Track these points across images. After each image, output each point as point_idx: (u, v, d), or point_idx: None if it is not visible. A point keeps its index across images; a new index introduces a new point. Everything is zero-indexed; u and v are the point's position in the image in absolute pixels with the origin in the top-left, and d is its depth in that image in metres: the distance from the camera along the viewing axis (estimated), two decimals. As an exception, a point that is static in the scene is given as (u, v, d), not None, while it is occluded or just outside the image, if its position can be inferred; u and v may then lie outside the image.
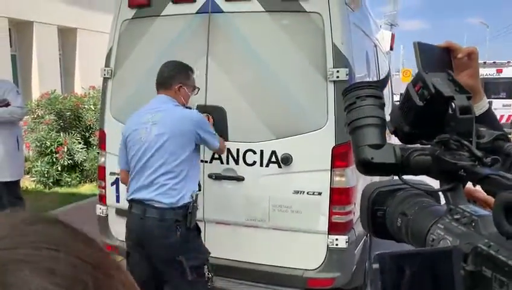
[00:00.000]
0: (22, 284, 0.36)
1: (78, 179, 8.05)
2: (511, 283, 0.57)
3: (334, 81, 3.12)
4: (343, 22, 3.20)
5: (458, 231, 0.69)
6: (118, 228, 3.89)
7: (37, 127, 7.91)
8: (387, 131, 0.86)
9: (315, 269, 3.31)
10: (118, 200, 3.83)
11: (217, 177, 3.45)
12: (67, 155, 7.70)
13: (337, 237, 3.22)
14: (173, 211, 2.77)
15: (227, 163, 3.41)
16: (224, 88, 3.41)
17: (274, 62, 3.32)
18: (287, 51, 3.29)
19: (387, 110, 0.90)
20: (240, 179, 3.40)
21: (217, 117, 3.38)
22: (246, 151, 3.37)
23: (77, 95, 8.80)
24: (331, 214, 3.22)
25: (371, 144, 0.81)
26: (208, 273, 2.89)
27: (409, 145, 0.83)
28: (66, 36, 11.28)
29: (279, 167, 3.30)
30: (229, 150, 3.37)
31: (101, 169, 3.91)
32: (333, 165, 3.19)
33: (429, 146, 0.80)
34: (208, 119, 3.26)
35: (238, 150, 3.38)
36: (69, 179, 7.94)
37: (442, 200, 0.80)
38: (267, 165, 3.33)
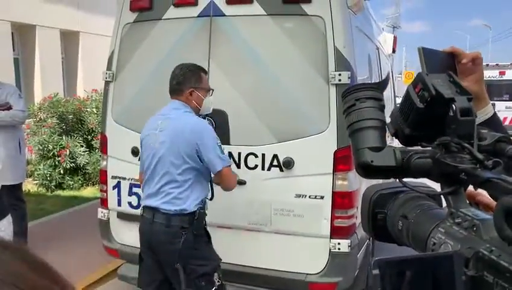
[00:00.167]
0: None
1: (80, 182, 8.06)
2: None
3: (336, 85, 3.11)
4: (345, 25, 3.19)
5: (459, 235, 0.68)
6: (119, 232, 3.89)
7: (40, 130, 7.92)
8: (389, 133, 0.85)
9: (317, 273, 3.30)
10: (119, 204, 3.82)
11: (219, 180, 3.44)
12: (70, 158, 7.71)
13: (339, 241, 3.21)
14: (179, 217, 2.75)
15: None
16: (226, 91, 3.40)
17: (276, 65, 3.31)
18: (288, 55, 3.29)
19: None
20: (242, 182, 3.38)
21: (219, 120, 3.37)
22: (247, 155, 3.36)
23: (79, 99, 8.82)
24: (333, 218, 3.21)
25: (371, 147, 0.80)
26: (218, 281, 2.84)
27: (410, 148, 0.82)
28: (69, 39, 11.31)
29: (281, 170, 3.29)
30: (230, 154, 3.36)
31: (103, 173, 3.91)
32: (335, 169, 3.17)
33: (430, 149, 0.79)
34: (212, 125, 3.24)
35: (239, 153, 3.37)
36: (71, 182, 7.95)
37: (444, 203, 0.79)
38: (269, 169, 3.31)
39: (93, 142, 8.07)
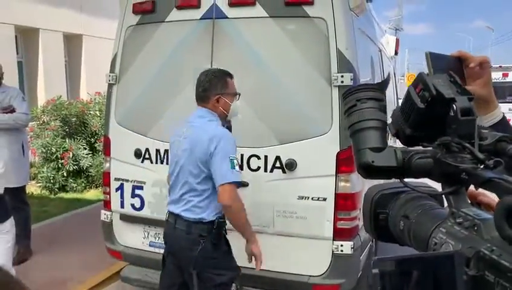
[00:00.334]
0: None
1: (83, 184, 8.08)
2: None
3: (339, 86, 3.11)
4: (348, 27, 3.19)
5: (460, 235, 0.68)
6: (122, 233, 3.90)
7: (43, 133, 7.95)
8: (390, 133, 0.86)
9: (320, 275, 3.29)
10: (122, 206, 3.83)
11: (221, 182, 3.44)
12: (73, 161, 7.73)
13: (342, 243, 3.21)
14: (199, 225, 2.73)
15: (232, 168, 3.40)
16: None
17: (278, 67, 3.32)
18: (291, 56, 3.29)
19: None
20: (244, 184, 3.38)
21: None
22: (250, 157, 3.36)
23: (83, 101, 8.85)
24: (336, 219, 3.20)
25: (372, 147, 0.80)
26: None
27: (411, 148, 0.82)
28: (72, 42, 11.35)
29: (284, 172, 3.29)
30: (232, 156, 3.37)
31: (106, 175, 3.92)
32: (338, 171, 3.17)
33: (431, 149, 0.79)
34: None
35: (242, 155, 3.37)
36: (75, 185, 7.97)
37: (446, 203, 0.79)
38: (271, 171, 3.32)
39: (96, 145, 8.09)
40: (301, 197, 3.26)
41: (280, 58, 3.35)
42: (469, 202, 0.77)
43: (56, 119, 8.05)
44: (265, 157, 3.32)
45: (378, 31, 5.40)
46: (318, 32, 3.19)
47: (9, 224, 3.49)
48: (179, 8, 3.53)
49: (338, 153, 3.15)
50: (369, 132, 0.81)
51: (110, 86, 3.86)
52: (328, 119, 3.16)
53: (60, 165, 7.78)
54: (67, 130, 8.12)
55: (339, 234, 3.21)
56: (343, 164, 3.14)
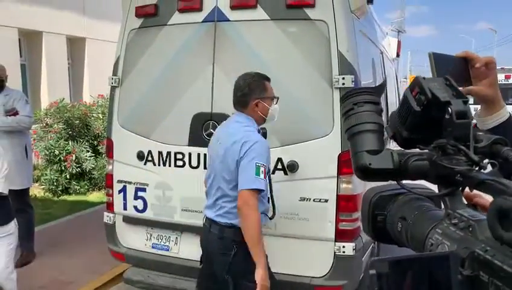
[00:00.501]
0: None
1: (86, 187, 8.11)
2: (507, 288, 0.57)
3: (340, 88, 3.12)
4: (349, 30, 3.20)
5: (456, 235, 0.69)
6: (125, 235, 3.91)
7: (46, 136, 7.98)
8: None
9: (322, 276, 3.30)
10: (125, 208, 3.85)
11: (223, 184, 3.45)
12: (76, 163, 7.76)
13: (344, 244, 3.21)
14: (232, 230, 2.71)
15: (234, 170, 3.41)
16: (230, 96, 3.40)
17: (280, 70, 3.32)
18: (292, 59, 3.31)
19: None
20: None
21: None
22: (252, 159, 3.37)
23: (85, 104, 8.88)
24: (337, 221, 3.21)
25: (369, 150, 0.82)
26: None
27: (407, 150, 0.84)
28: (75, 45, 11.39)
29: (285, 174, 3.30)
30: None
31: (109, 177, 3.94)
32: (340, 172, 3.18)
33: (427, 151, 0.80)
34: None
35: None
36: (78, 187, 8.00)
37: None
38: (273, 173, 3.32)
39: (99, 147, 8.12)
40: (303, 199, 3.27)
41: (281, 60, 3.36)
42: (465, 203, 0.78)
43: (59, 122, 8.08)
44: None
45: (380, 33, 5.40)
46: (319, 34, 3.20)
47: (13, 226, 3.52)
48: (181, 11, 3.55)
49: (339, 155, 3.16)
50: (366, 134, 0.83)
51: (113, 88, 3.87)
52: (329, 121, 3.17)
53: (63, 168, 7.80)
54: (70, 132, 8.15)
55: (340, 235, 3.22)
56: (344, 165, 3.15)
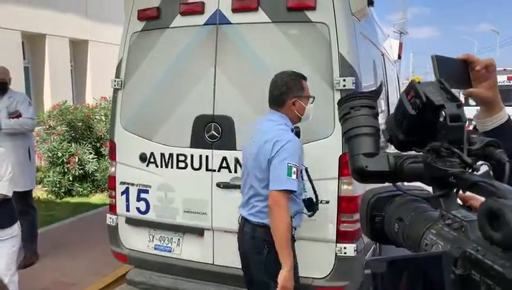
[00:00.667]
0: None
1: (89, 189, 8.14)
2: (498, 287, 0.59)
3: (341, 90, 3.13)
4: (349, 32, 3.22)
5: (449, 236, 0.71)
6: (128, 237, 3.93)
7: (49, 138, 8.01)
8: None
9: (324, 277, 3.31)
10: (127, 209, 3.87)
11: (225, 186, 3.47)
12: (79, 165, 7.79)
13: (345, 245, 3.22)
14: (263, 228, 2.71)
15: (235, 172, 3.43)
16: (232, 98, 3.44)
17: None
18: (293, 61, 3.32)
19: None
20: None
21: (225, 126, 3.42)
22: (253, 160, 3.38)
23: (88, 106, 8.91)
24: (339, 222, 3.22)
25: (365, 153, 0.84)
26: None
27: (403, 153, 0.85)
28: (78, 48, 11.44)
29: (287, 175, 3.31)
30: (236, 159, 3.40)
31: (111, 179, 3.96)
32: (341, 174, 3.19)
33: (422, 153, 0.82)
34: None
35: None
36: (80, 189, 8.03)
37: None
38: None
39: (101, 149, 8.15)
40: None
41: (283, 62, 3.36)
42: (459, 204, 0.80)
43: (62, 124, 8.11)
44: (269, 161, 3.35)
45: (381, 35, 5.42)
46: (320, 36, 3.22)
47: (16, 228, 3.54)
48: (183, 14, 3.57)
49: (340, 156, 3.17)
50: (363, 138, 0.85)
51: (116, 91, 3.90)
52: (330, 122, 3.18)
53: (66, 170, 7.84)
54: (73, 134, 8.19)
55: (342, 236, 3.23)
56: (345, 167, 3.16)
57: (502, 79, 14.96)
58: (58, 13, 10.29)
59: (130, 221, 3.89)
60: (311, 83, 3.27)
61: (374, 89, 3.66)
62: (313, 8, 3.22)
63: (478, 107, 1.27)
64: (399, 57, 7.41)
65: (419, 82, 0.81)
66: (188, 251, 3.66)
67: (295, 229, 2.80)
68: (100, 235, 4.53)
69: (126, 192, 3.86)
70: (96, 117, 8.39)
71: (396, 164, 0.82)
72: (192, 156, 3.56)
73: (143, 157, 3.75)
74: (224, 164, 3.46)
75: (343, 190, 3.20)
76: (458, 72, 1.14)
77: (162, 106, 3.70)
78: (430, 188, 0.85)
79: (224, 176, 3.47)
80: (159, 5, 3.65)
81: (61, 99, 8.72)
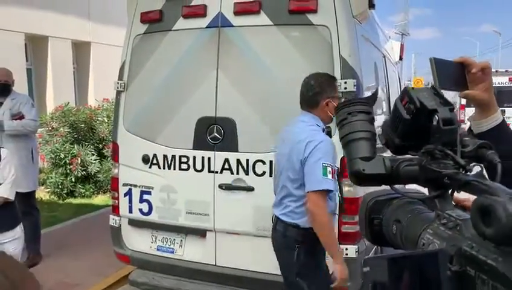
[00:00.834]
0: None
1: (91, 190, 8.16)
2: (492, 281, 0.62)
3: (342, 93, 3.16)
4: (350, 35, 3.24)
5: (445, 234, 0.74)
6: (130, 238, 3.96)
7: (52, 139, 8.04)
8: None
9: (325, 278, 3.32)
10: (130, 211, 3.89)
11: (227, 187, 3.50)
12: (81, 167, 7.82)
13: (346, 246, 3.23)
14: (296, 229, 2.74)
15: (237, 173, 3.46)
16: (234, 100, 3.46)
17: (282, 74, 3.37)
18: (295, 63, 3.34)
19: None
20: (250, 189, 3.44)
21: (227, 128, 3.44)
22: (255, 162, 3.41)
23: (91, 108, 8.95)
24: (340, 224, 3.24)
25: (362, 157, 0.87)
26: None
27: (399, 156, 0.88)
28: (80, 50, 11.48)
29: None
30: (238, 161, 3.43)
31: (114, 180, 3.99)
32: (342, 175, 3.21)
33: (417, 156, 0.85)
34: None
35: (247, 160, 3.42)
36: (83, 190, 8.06)
37: None
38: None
39: (104, 151, 8.18)
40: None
41: (284, 65, 3.40)
42: (454, 204, 0.83)
43: (65, 126, 8.14)
44: (271, 162, 3.37)
45: (382, 37, 5.44)
46: (321, 39, 3.25)
47: (19, 231, 3.57)
48: (186, 16, 3.60)
49: (342, 158, 3.19)
50: (360, 142, 0.88)
51: (119, 93, 3.93)
52: (332, 125, 3.20)
53: (68, 171, 7.86)
54: (76, 136, 8.22)
55: (343, 237, 3.24)
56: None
57: (504, 80, 14.95)
58: (60, 15, 10.33)
59: (133, 222, 3.92)
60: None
61: (369, 95, 3.68)
62: (315, 11, 3.24)
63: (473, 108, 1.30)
64: (400, 58, 7.42)
65: (412, 88, 0.84)
66: (191, 252, 3.69)
67: None
68: (103, 236, 4.55)
69: (129, 193, 3.88)
70: (99, 118, 8.42)
71: (392, 167, 0.85)
72: (194, 157, 3.59)
73: (146, 159, 3.77)
74: (226, 166, 3.48)
75: (345, 191, 3.20)
76: (455, 74, 1.17)
77: (165, 108, 3.73)
78: (425, 191, 0.88)
79: (226, 178, 3.50)
80: (162, 8, 3.69)
81: (64, 101, 8.76)
